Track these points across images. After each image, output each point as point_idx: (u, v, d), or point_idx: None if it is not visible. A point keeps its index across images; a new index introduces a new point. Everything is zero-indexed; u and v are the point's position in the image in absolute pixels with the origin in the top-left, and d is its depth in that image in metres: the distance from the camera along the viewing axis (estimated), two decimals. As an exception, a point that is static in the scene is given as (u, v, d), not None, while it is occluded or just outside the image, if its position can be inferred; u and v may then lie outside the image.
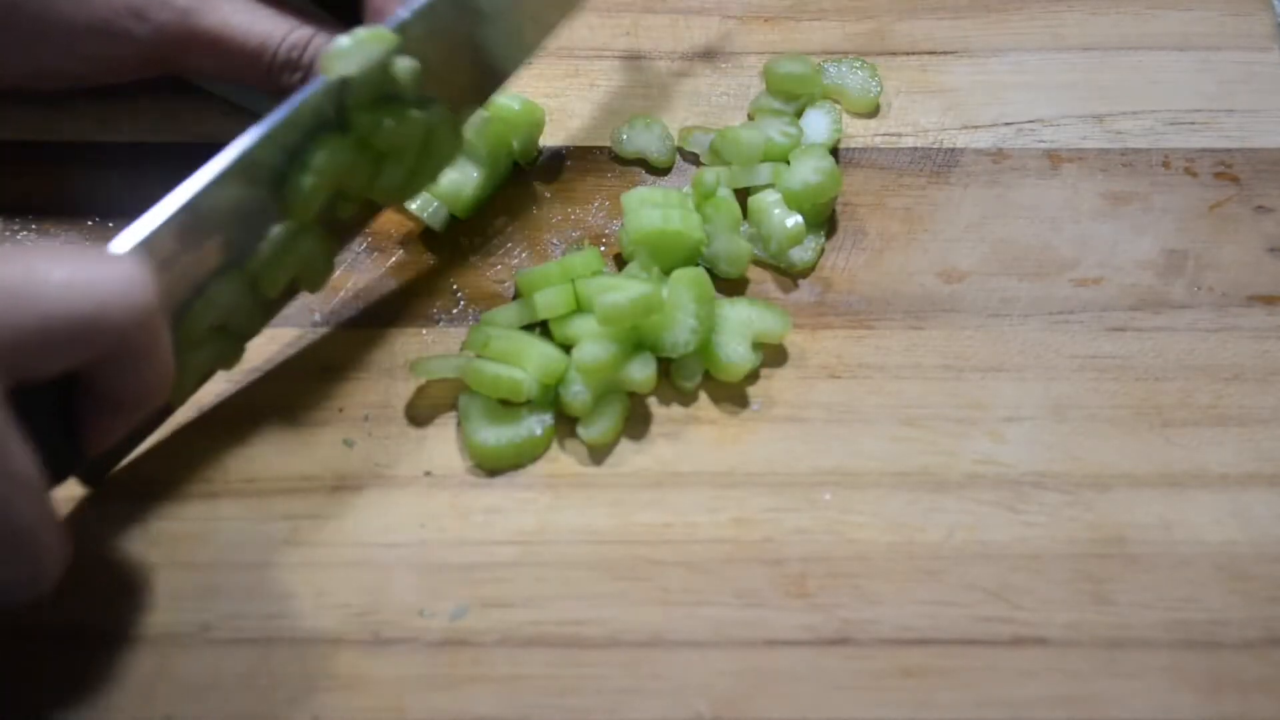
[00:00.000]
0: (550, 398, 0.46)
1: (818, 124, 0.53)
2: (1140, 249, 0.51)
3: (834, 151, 0.52)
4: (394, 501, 0.45)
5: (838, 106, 0.54)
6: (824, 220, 0.51)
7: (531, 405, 0.46)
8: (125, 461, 0.45)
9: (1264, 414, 0.47)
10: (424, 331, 0.48)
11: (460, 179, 0.50)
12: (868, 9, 0.58)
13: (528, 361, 0.45)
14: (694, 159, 0.53)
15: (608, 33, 0.57)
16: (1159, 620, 0.43)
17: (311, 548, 0.44)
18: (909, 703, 0.41)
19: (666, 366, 0.47)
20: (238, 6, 0.47)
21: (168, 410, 0.45)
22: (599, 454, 0.46)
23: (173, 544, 0.44)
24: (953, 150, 0.54)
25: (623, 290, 0.45)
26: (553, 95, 0.55)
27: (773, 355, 0.48)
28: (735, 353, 0.47)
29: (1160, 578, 0.43)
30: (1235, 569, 0.44)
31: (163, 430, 0.46)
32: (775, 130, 0.52)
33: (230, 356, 0.45)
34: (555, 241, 0.51)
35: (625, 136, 0.53)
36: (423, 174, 0.47)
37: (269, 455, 0.46)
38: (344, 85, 0.43)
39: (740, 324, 0.47)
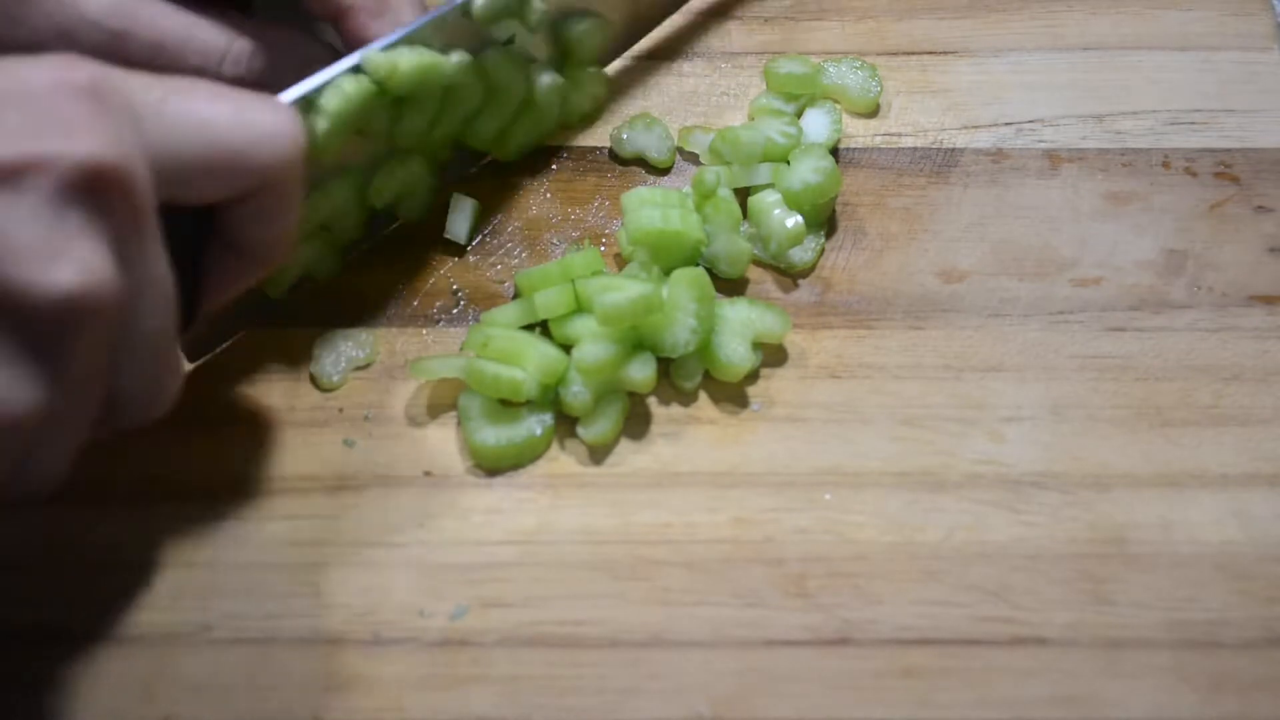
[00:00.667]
0: (550, 398, 0.46)
1: (818, 124, 0.53)
2: (1140, 249, 0.51)
3: (834, 151, 0.52)
4: (394, 501, 0.45)
5: (838, 106, 0.54)
6: (824, 220, 0.51)
7: (531, 405, 0.46)
8: (220, 349, 0.47)
9: (1264, 414, 0.47)
10: (424, 331, 0.48)
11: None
12: (868, 9, 0.58)
13: (528, 361, 0.45)
14: (694, 159, 0.53)
15: (608, 33, 0.57)
16: (1159, 620, 0.43)
17: (311, 548, 0.44)
18: (909, 703, 0.41)
19: (666, 366, 0.47)
20: (175, 23, 0.46)
21: (267, 304, 0.47)
22: (599, 454, 0.46)
23: (173, 544, 0.44)
24: (953, 150, 0.54)
25: (622, 290, 0.45)
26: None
27: (773, 355, 0.48)
28: (735, 353, 0.47)
29: (1160, 578, 0.43)
30: (1235, 569, 0.44)
31: (163, 430, 0.46)
32: (775, 130, 0.52)
33: (328, 264, 0.48)
34: (555, 241, 0.51)
35: (625, 136, 0.53)
36: (520, 129, 0.51)
37: (269, 455, 0.46)
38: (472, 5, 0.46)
39: (740, 324, 0.47)
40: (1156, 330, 0.49)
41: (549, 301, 0.47)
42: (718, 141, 0.51)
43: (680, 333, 0.46)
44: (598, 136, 0.53)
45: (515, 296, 0.49)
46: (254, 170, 0.39)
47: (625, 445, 0.46)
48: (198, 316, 0.42)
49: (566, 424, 0.46)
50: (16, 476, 0.36)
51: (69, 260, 0.34)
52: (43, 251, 0.33)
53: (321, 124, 0.43)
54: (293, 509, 0.44)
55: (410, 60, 0.44)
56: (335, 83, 0.44)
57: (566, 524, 0.44)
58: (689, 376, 0.47)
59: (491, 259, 0.50)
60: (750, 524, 0.44)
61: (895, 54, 0.57)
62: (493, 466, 0.45)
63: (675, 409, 0.47)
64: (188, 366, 0.46)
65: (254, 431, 0.46)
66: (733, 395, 0.47)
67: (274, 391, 0.47)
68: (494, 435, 0.45)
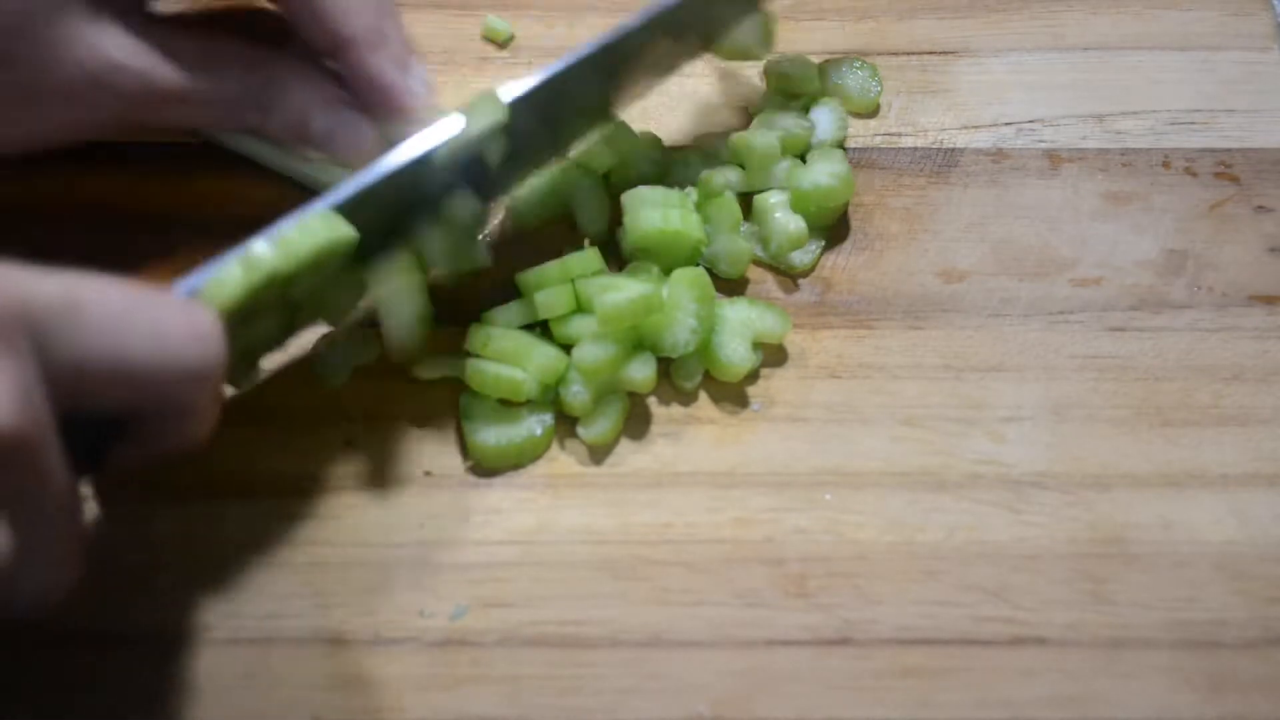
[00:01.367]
0: (550, 397, 0.46)
1: (824, 121, 0.53)
2: (1140, 249, 0.51)
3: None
4: (394, 501, 0.45)
5: (841, 105, 0.54)
6: (831, 224, 0.51)
7: (531, 405, 0.46)
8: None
9: (1264, 414, 0.47)
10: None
11: None
12: (868, 9, 0.58)
13: (528, 361, 0.45)
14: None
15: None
16: (1159, 620, 0.43)
17: (311, 548, 0.44)
18: (909, 703, 0.41)
19: (666, 366, 0.47)
20: (201, 56, 0.46)
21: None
22: (599, 454, 0.46)
23: (173, 544, 0.44)
24: (953, 150, 0.54)
25: (622, 290, 0.45)
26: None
27: (773, 355, 0.48)
28: (735, 353, 0.47)
29: (1160, 578, 0.43)
30: (1235, 569, 0.44)
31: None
32: (789, 124, 0.52)
33: (245, 377, 0.45)
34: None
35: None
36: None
37: (269, 455, 0.46)
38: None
39: (740, 324, 0.47)
40: (1156, 330, 0.49)
41: (549, 301, 0.47)
42: (731, 150, 0.51)
43: (680, 333, 0.46)
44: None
45: (515, 296, 0.49)
46: (166, 383, 0.36)
47: (625, 445, 0.46)
48: (101, 472, 0.40)
49: (566, 424, 0.46)
50: None
51: None
52: None
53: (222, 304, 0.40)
54: (293, 509, 0.44)
55: (300, 248, 0.41)
56: (219, 278, 0.40)
57: (566, 524, 0.44)
58: (689, 377, 0.47)
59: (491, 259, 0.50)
60: (750, 524, 0.44)
61: (895, 54, 0.57)
62: (493, 466, 0.45)
63: (675, 409, 0.47)
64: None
65: (254, 431, 0.46)
66: (733, 395, 0.47)
67: (274, 391, 0.47)
68: (494, 435, 0.45)
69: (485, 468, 0.45)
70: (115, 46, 0.45)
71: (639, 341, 0.46)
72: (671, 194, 0.49)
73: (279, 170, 0.50)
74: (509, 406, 0.46)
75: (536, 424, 0.46)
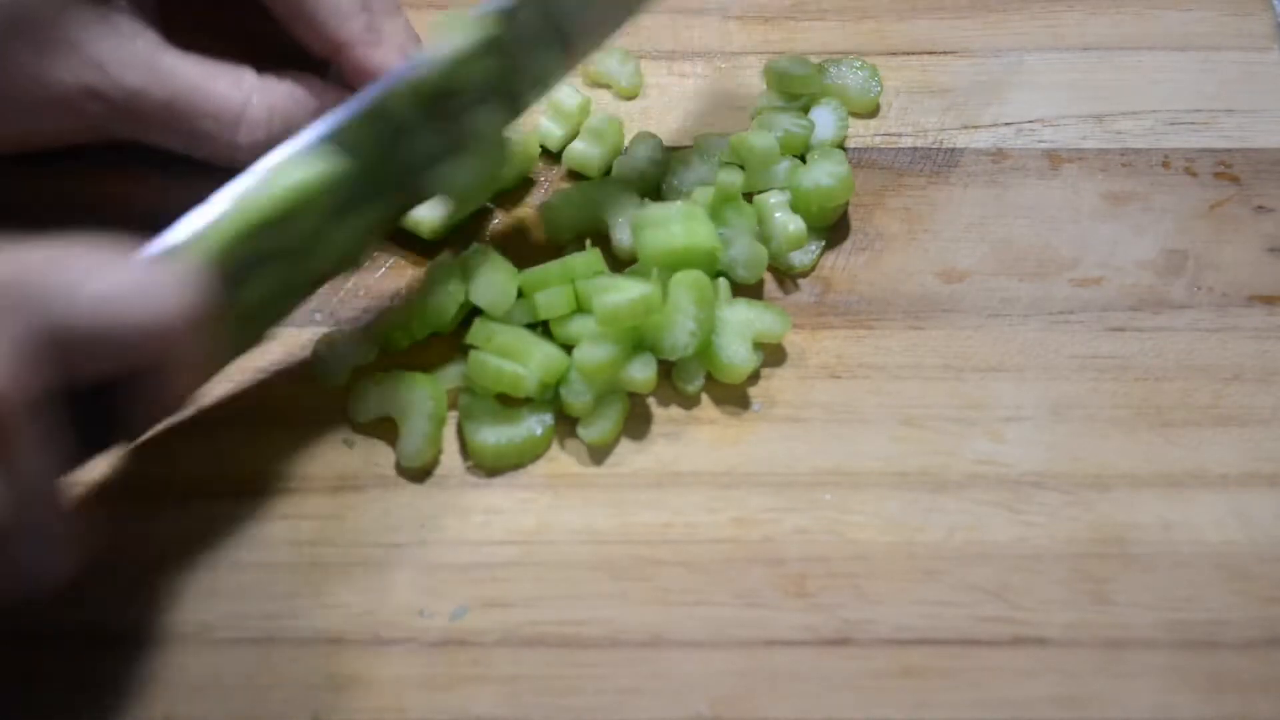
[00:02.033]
0: (550, 397, 0.46)
1: (825, 121, 0.53)
2: (1140, 249, 0.51)
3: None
4: (394, 501, 0.45)
5: (842, 105, 0.54)
6: (831, 224, 0.51)
7: (532, 405, 0.46)
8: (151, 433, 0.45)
9: (1264, 414, 0.47)
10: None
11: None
12: (868, 9, 0.58)
13: (529, 359, 0.45)
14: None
15: (608, 33, 0.57)
16: (1159, 620, 0.43)
17: (311, 548, 0.44)
18: (909, 703, 0.41)
19: (667, 366, 0.47)
20: (189, 81, 0.45)
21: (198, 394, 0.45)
22: (599, 454, 0.46)
23: (173, 544, 0.44)
24: (953, 150, 0.54)
25: (622, 291, 0.45)
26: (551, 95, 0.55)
27: (773, 355, 0.48)
28: (736, 354, 0.47)
29: (1160, 578, 0.43)
30: (1235, 569, 0.44)
31: (163, 430, 0.46)
32: (788, 124, 0.52)
33: (253, 342, 0.45)
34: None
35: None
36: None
37: (269, 455, 0.46)
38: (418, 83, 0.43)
39: (740, 325, 0.47)
40: (1156, 330, 0.49)
41: (549, 302, 0.47)
42: (731, 150, 0.51)
43: (680, 335, 0.46)
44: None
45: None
46: (149, 343, 0.37)
47: (625, 445, 0.46)
48: (111, 447, 0.42)
49: (566, 424, 0.46)
50: None
51: None
52: None
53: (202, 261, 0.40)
54: (293, 509, 0.44)
55: (276, 193, 0.40)
56: (199, 229, 0.39)
57: (566, 524, 0.44)
58: (690, 379, 0.47)
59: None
60: (750, 524, 0.44)
61: (895, 54, 0.57)
62: (493, 466, 0.45)
63: (675, 409, 0.47)
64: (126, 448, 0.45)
65: (254, 431, 0.46)
66: (733, 396, 0.47)
67: (274, 391, 0.47)
68: (494, 435, 0.45)
69: (485, 468, 0.45)
70: (111, 58, 0.44)
71: (639, 342, 0.46)
72: (675, 207, 0.48)
73: None
74: (509, 406, 0.46)
75: (536, 424, 0.46)
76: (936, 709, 0.41)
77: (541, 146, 0.53)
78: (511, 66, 0.46)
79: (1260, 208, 0.52)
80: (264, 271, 0.42)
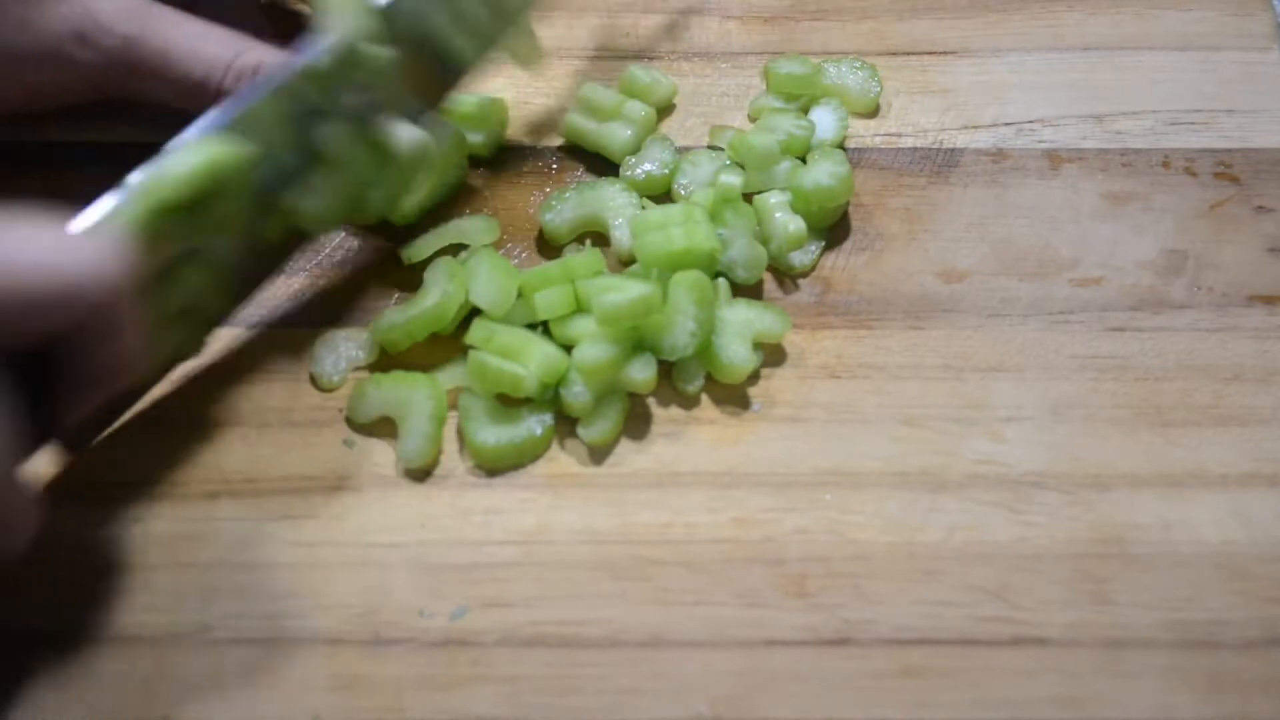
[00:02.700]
0: (550, 397, 0.46)
1: (825, 121, 0.53)
2: (1140, 249, 0.51)
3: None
4: (394, 501, 0.45)
5: (843, 105, 0.54)
6: (832, 224, 0.51)
7: (532, 405, 0.46)
8: (107, 432, 0.45)
9: (1264, 414, 0.47)
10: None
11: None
12: (868, 9, 0.58)
13: (530, 359, 0.45)
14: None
15: (608, 33, 0.58)
16: (1159, 620, 0.43)
17: (311, 548, 0.44)
18: (909, 703, 0.41)
19: (667, 366, 0.47)
20: (184, 31, 0.46)
21: (138, 392, 0.45)
22: (599, 454, 0.46)
23: (173, 544, 0.44)
24: (953, 150, 0.54)
25: (622, 291, 0.45)
26: (552, 95, 0.55)
27: (773, 355, 0.48)
28: (737, 354, 0.47)
29: (1160, 578, 0.43)
30: (1235, 569, 0.44)
31: (163, 430, 0.46)
32: (789, 125, 0.52)
33: (196, 343, 0.46)
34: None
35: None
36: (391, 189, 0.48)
37: (269, 455, 0.46)
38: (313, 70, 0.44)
39: (740, 325, 0.47)
40: (1156, 330, 0.49)
41: (549, 302, 0.47)
42: (732, 150, 0.51)
43: (680, 336, 0.46)
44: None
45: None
46: (80, 309, 0.37)
47: (625, 445, 0.46)
48: (55, 433, 0.42)
49: (566, 424, 0.46)
50: None
51: None
52: None
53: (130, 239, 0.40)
54: (293, 509, 0.44)
55: (191, 169, 0.41)
56: (114, 213, 0.40)
57: (566, 524, 0.44)
58: (691, 380, 0.47)
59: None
60: (750, 524, 0.44)
61: (895, 54, 0.57)
62: (493, 466, 0.45)
63: (675, 409, 0.47)
64: (66, 457, 0.45)
65: (254, 431, 0.46)
66: (733, 396, 0.47)
67: (274, 391, 0.47)
68: (494, 435, 0.45)
69: (485, 468, 0.45)
70: (101, 5, 0.45)
71: (639, 343, 0.46)
72: (675, 210, 0.48)
73: None
74: (509, 407, 0.46)
75: (536, 424, 0.46)
76: (936, 709, 0.41)
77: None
78: (410, 55, 0.47)
79: (1260, 208, 0.52)
80: (191, 266, 0.43)
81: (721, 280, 0.48)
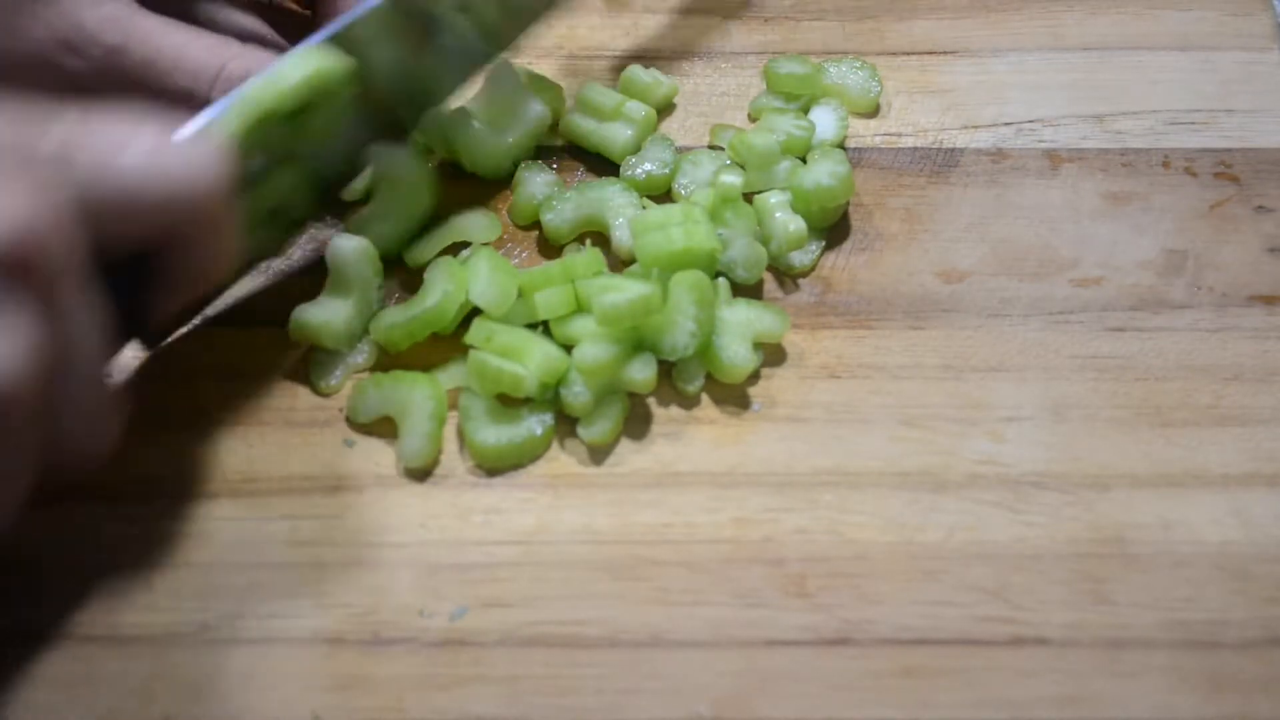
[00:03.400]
0: (550, 397, 0.46)
1: (825, 121, 0.53)
2: (1140, 249, 0.51)
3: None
4: (394, 501, 0.45)
5: (843, 104, 0.54)
6: (832, 225, 0.51)
7: (532, 405, 0.46)
8: (182, 331, 0.47)
9: (1264, 414, 0.47)
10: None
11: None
12: (868, 9, 0.58)
13: (530, 359, 0.45)
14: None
15: (608, 33, 0.58)
16: (1159, 620, 0.43)
17: (311, 548, 0.44)
18: (909, 703, 0.41)
19: (667, 366, 0.47)
20: (170, 41, 0.46)
21: (222, 288, 0.47)
22: (599, 454, 0.46)
23: (173, 544, 0.44)
24: (953, 150, 0.54)
25: (622, 291, 0.45)
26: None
27: (773, 355, 0.48)
28: (737, 354, 0.47)
29: (1160, 578, 0.43)
30: (1235, 569, 0.44)
31: (163, 430, 0.46)
32: (789, 126, 0.52)
33: (280, 244, 0.48)
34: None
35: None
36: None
37: (269, 455, 0.46)
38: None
39: (740, 325, 0.47)
40: (1156, 330, 0.49)
41: (549, 302, 0.47)
42: (732, 150, 0.51)
43: (680, 336, 0.46)
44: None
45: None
46: (180, 212, 0.39)
47: (625, 445, 0.46)
48: (145, 326, 0.43)
49: (566, 424, 0.46)
50: None
51: None
52: None
53: (233, 139, 0.42)
54: (293, 509, 0.44)
55: (295, 81, 0.43)
56: (218, 120, 0.42)
57: (566, 524, 0.44)
58: (691, 380, 0.47)
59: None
60: (750, 524, 0.44)
61: (895, 54, 0.57)
62: (493, 466, 0.45)
63: (675, 409, 0.47)
64: (143, 356, 0.47)
65: (254, 431, 0.46)
66: (733, 395, 0.47)
67: (274, 391, 0.47)
68: (494, 435, 0.45)
69: (485, 468, 0.45)
70: (87, 15, 0.45)
71: (639, 342, 0.46)
72: (675, 210, 0.48)
73: None
74: (509, 406, 0.46)
75: (536, 424, 0.46)
76: (936, 709, 0.41)
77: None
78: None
79: (1260, 208, 0.52)
80: (284, 171, 0.45)
81: (721, 280, 0.48)
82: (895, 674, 0.42)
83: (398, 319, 0.47)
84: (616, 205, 0.50)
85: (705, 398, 0.47)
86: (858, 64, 0.55)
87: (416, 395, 0.45)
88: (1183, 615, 0.43)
